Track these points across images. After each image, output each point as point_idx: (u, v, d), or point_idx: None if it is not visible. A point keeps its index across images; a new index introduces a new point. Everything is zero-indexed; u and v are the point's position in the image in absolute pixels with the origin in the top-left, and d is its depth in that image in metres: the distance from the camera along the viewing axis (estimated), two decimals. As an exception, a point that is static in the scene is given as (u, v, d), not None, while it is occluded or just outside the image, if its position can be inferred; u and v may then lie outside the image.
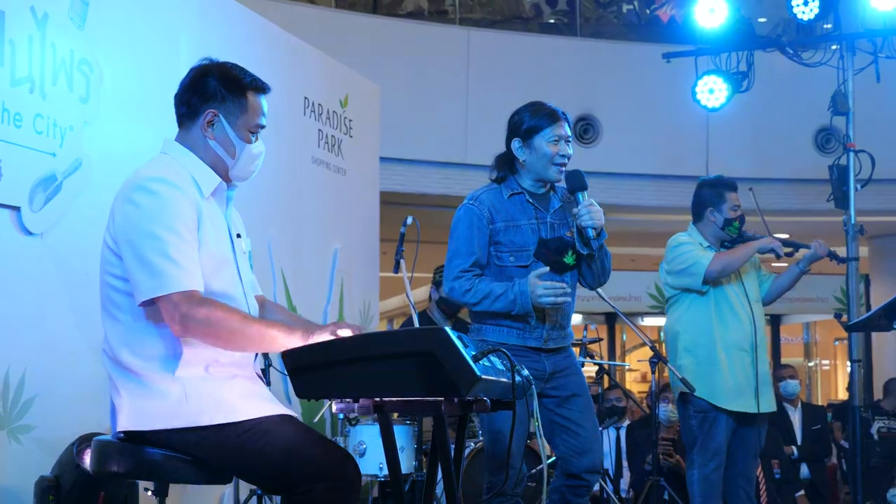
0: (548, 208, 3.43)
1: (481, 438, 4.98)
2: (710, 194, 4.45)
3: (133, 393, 2.36)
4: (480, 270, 3.37)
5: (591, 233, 3.32)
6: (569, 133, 3.41)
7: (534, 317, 3.33)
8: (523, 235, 3.37)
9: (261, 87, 2.54)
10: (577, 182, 3.37)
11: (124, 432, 2.40)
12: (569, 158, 3.40)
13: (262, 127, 2.55)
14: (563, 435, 3.39)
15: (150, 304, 2.31)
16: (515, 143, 3.40)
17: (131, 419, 2.36)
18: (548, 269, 3.31)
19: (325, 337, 2.29)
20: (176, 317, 2.26)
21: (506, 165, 3.45)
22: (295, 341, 2.29)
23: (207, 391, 2.35)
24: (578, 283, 3.54)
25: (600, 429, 3.98)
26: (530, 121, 3.38)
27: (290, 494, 2.31)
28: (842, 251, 5.01)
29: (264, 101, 2.55)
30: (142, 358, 2.35)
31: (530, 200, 3.41)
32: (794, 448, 6.64)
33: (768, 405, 4.38)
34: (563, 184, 3.46)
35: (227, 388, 2.37)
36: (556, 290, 3.26)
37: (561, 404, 3.39)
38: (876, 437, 6.84)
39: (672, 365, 4.36)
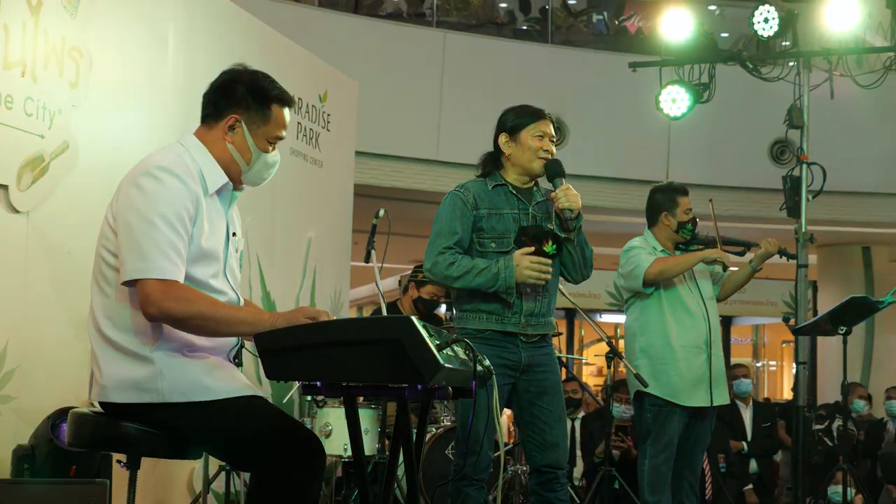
0: (530, 200, 3.51)
1: (443, 424, 5.16)
2: (663, 199, 4.57)
3: (110, 364, 2.43)
4: (462, 251, 3.44)
5: (569, 213, 3.41)
6: (552, 132, 3.52)
7: (513, 295, 3.39)
8: (505, 223, 3.45)
9: (286, 101, 2.57)
10: (556, 169, 3.47)
11: (100, 403, 2.48)
12: (552, 155, 3.49)
13: (282, 138, 2.58)
14: (529, 430, 3.48)
15: (131, 284, 2.39)
16: (502, 139, 3.52)
17: (106, 390, 2.44)
18: (532, 249, 3.38)
19: (290, 318, 2.36)
20: (149, 300, 2.33)
21: (491, 162, 3.57)
22: (262, 324, 2.36)
23: (181, 370, 2.41)
24: (562, 278, 3.58)
25: None
26: (517, 118, 3.52)
27: (258, 472, 2.41)
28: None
29: (287, 113, 2.58)
30: (122, 331, 2.42)
31: (513, 192, 3.51)
32: (744, 444, 6.84)
33: (721, 398, 4.49)
34: (544, 181, 3.57)
35: (201, 369, 2.43)
36: (541, 265, 3.36)
37: (533, 400, 3.45)
38: (835, 433, 7.07)
39: (629, 363, 4.48)
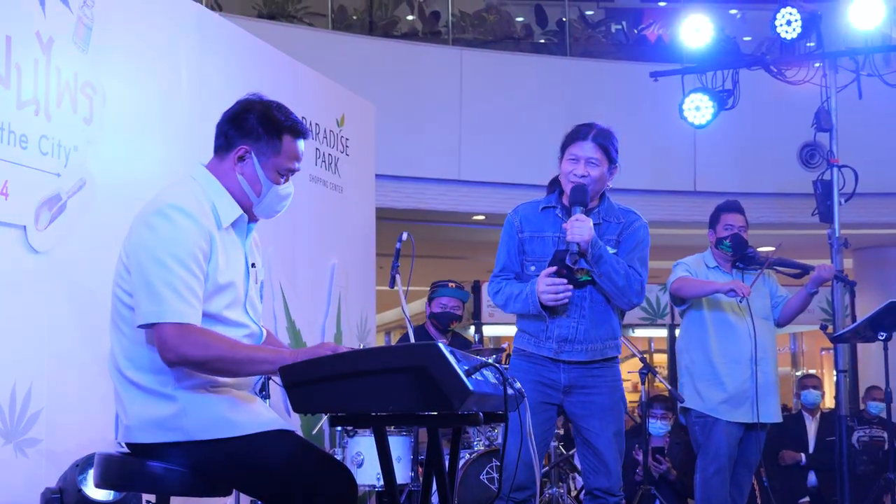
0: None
1: (476, 449, 5.07)
2: (711, 217, 4.67)
3: (133, 404, 2.40)
4: (513, 276, 3.47)
5: (574, 247, 3.30)
6: (590, 154, 3.38)
7: (548, 316, 3.35)
8: (545, 246, 3.42)
9: (299, 132, 2.52)
10: (574, 197, 3.37)
11: (126, 444, 2.45)
12: (587, 178, 3.37)
13: (295, 171, 2.53)
14: (581, 451, 3.45)
15: (147, 328, 2.35)
16: (559, 162, 3.49)
17: (131, 431, 2.41)
18: (555, 268, 3.32)
19: (311, 354, 2.30)
20: (167, 346, 2.30)
21: (555, 182, 3.53)
22: (283, 363, 2.30)
23: (205, 406, 2.38)
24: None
25: None
26: (564, 140, 3.48)
27: None
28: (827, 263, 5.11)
29: (301, 145, 2.53)
30: (143, 371, 2.39)
31: (559, 215, 3.44)
32: (801, 455, 6.70)
33: (769, 416, 4.47)
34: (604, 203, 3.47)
35: (225, 404, 2.40)
36: (556, 287, 3.29)
37: (580, 423, 3.41)
38: (857, 446, 6.90)
39: (677, 379, 4.52)
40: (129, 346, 2.41)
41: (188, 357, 2.31)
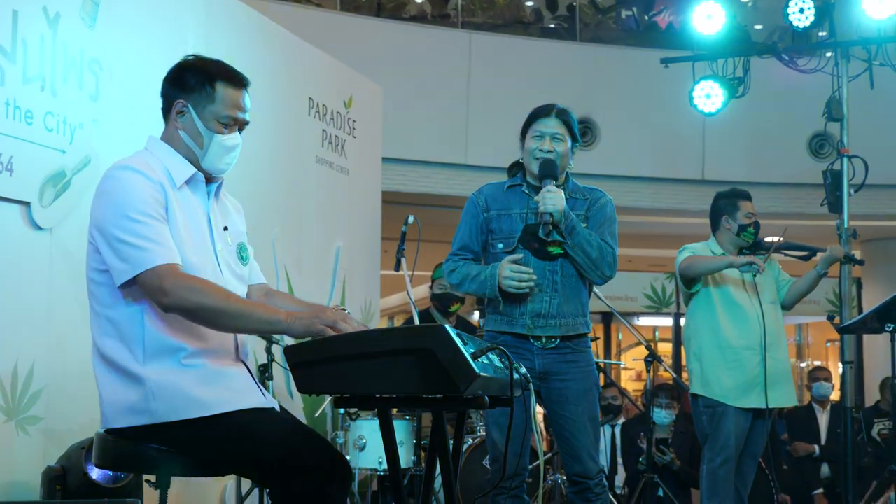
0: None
1: (480, 434, 5.06)
2: (724, 204, 4.60)
3: (105, 388, 2.36)
4: (472, 255, 3.42)
5: (547, 217, 3.26)
6: (555, 129, 3.37)
7: (502, 302, 3.33)
8: (512, 223, 3.39)
9: (232, 78, 2.47)
10: (544, 170, 3.34)
11: (106, 431, 2.39)
12: (553, 153, 3.35)
13: (238, 120, 2.48)
14: (558, 439, 3.43)
15: (131, 284, 2.29)
16: (520, 144, 3.46)
17: (106, 417, 2.38)
18: (521, 256, 3.31)
19: (306, 322, 2.27)
20: (161, 289, 2.24)
21: (518, 166, 3.52)
22: (278, 325, 2.27)
23: (173, 387, 2.31)
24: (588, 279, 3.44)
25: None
26: (527, 120, 3.44)
27: (272, 487, 2.30)
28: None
29: (244, 96, 2.48)
30: (114, 340, 2.33)
31: (527, 192, 3.42)
32: (815, 447, 6.66)
33: (781, 400, 4.46)
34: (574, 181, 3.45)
35: (194, 382, 2.33)
36: (520, 275, 3.26)
37: (556, 409, 3.36)
38: (878, 439, 6.87)
39: (685, 365, 4.48)
40: (103, 323, 2.36)
41: (183, 300, 2.25)
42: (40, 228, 3.57)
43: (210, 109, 2.44)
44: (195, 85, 2.44)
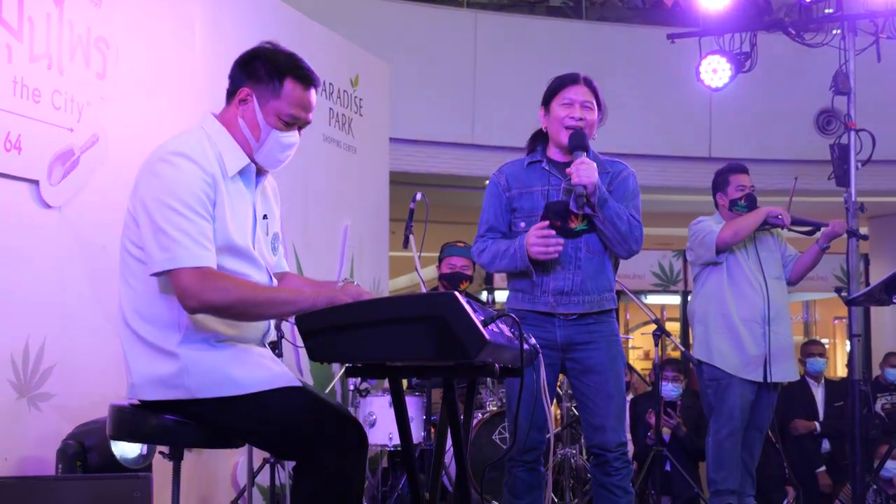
0: (566, 175, 3.32)
1: (489, 409, 5.07)
2: (717, 180, 4.68)
3: (137, 361, 2.38)
4: (500, 236, 3.39)
5: (581, 189, 3.21)
6: (585, 97, 3.31)
7: (534, 273, 3.29)
8: (534, 201, 3.35)
9: (303, 77, 2.45)
10: (575, 142, 3.28)
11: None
12: (584, 122, 3.30)
13: (299, 119, 2.47)
14: (581, 411, 3.40)
15: (162, 275, 2.32)
16: (541, 112, 3.40)
17: (135, 388, 2.40)
18: (547, 223, 3.26)
19: (331, 297, 2.29)
20: (188, 293, 2.27)
21: (538, 138, 3.46)
22: (304, 302, 2.29)
23: (207, 364, 2.35)
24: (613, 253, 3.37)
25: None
26: (549, 88, 3.39)
27: (299, 461, 2.34)
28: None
29: (311, 95, 2.47)
30: (149, 324, 2.37)
31: (547, 168, 3.37)
32: (816, 424, 6.67)
33: (782, 375, 4.47)
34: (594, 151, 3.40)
35: (229, 361, 2.37)
36: (547, 241, 3.22)
37: (579, 378, 3.34)
38: (882, 413, 6.88)
39: (691, 334, 4.52)
40: (136, 298, 2.39)
41: (209, 302, 2.29)
42: (49, 207, 3.57)
43: (273, 104, 2.44)
44: (264, 76, 2.44)
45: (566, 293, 3.31)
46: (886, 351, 7.76)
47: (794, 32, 6.03)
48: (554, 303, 3.31)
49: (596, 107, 3.36)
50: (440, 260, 5.69)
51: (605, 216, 3.27)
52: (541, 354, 2.69)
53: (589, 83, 3.37)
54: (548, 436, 3.29)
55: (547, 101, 3.38)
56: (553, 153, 3.40)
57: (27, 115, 3.47)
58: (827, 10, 6.25)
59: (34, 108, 3.50)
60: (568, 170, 3.28)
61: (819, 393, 6.83)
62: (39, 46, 3.54)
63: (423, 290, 4.94)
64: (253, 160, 2.49)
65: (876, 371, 8.29)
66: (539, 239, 3.23)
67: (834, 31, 5.94)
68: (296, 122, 2.48)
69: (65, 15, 3.65)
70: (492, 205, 3.42)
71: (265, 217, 2.55)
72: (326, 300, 2.29)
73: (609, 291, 3.38)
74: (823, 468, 6.59)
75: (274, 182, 2.67)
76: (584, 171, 3.22)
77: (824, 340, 13.42)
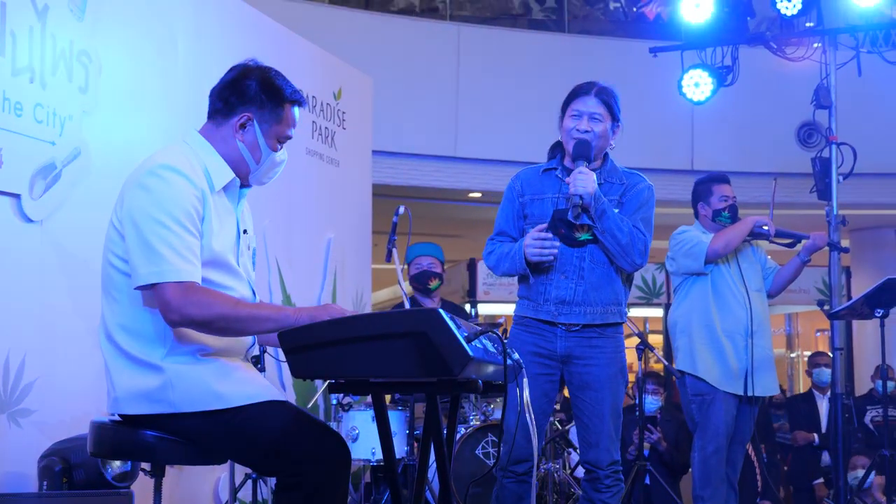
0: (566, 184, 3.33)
1: (472, 424, 5.06)
2: (698, 190, 4.66)
3: (120, 375, 2.37)
4: (510, 241, 3.41)
5: (577, 199, 3.22)
6: (593, 109, 3.33)
7: (532, 278, 3.30)
8: (544, 207, 3.36)
9: (299, 101, 2.54)
10: (577, 151, 3.30)
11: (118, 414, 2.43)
12: (589, 133, 3.30)
13: (290, 138, 2.55)
14: (576, 424, 3.40)
15: (147, 289, 2.32)
16: (559, 121, 3.43)
17: (118, 402, 2.39)
18: (545, 225, 3.29)
19: (313, 314, 2.29)
20: (170, 307, 2.27)
21: (558, 146, 3.48)
22: (286, 319, 2.29)
23: (191, 379, 2.35)
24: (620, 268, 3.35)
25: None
26: (567, 97, 3.41)
27: (281, 477, 2.33)
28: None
29: (297, 113, 2.55)
30: (133, 338, 2.36)
31: (559, 175, 3.39)
32: (815, 436, 6.66)
33: (763, 389, 4.47)
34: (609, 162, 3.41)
35: (213, 375, 2.37)
36: (542, 242, 3.24)
37: (576, 393, 3.33)
38: (871, 426, 6.87)
39: (673, 347, 4.49)
40: (122, 312, 2.38)
41: (192, 317, 2.29)
42: (31, 221, 3.55)
43: (275, 129, 2.49)
44: (266, 102, 2.47)
45: (567, 302, 3.30)
46: (869, 365, 7.78)
47: (775, 46, 6.09)
48: (555, 311, 3.30)
49: (608, 118, 3.36)
50: (408, 263, 5.61)
51: (605, 228, 3.26)
52: (524, 369, 2.69)
53: (601, 94, 3.36)
54: (540, 445, 3.29)
55: (563, 111, 3.42)
56: (568, 162, 3.42)
57: (9, 128, 3.46)
58: (808, 24, 6.31)
59: (16, 122, 3.49)
60: (566, 179, 3.31)
61: (824, 405, 6.75)
62: (22, 59, 3.53)
63: (406, 301, 4.93)
64: (244, 178, 2.53)
65: (863, 384, 8.32)
66: (535, 241, 3.25)
67: (815, 45, 6.00)
68: (287, 140, 2.55)
69: (47, 29, 3.64)
70: (505, 209, 3.46)
71: (245, 232, 2.57)
72: (308, 317, 2.29)
73: (616, 305, 3.34)
74: (821, 480, 6.59)
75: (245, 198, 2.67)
76: (581, 181, 3.23)
77: (807, 353, 13.47)
